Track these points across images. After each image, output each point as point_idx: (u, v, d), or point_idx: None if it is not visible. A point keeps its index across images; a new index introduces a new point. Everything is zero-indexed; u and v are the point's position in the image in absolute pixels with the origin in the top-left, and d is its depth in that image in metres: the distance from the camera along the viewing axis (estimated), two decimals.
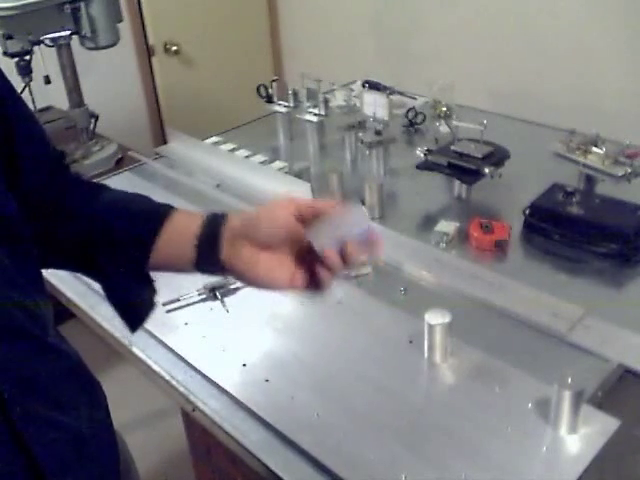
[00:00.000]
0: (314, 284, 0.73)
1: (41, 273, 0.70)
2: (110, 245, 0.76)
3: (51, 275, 1.30)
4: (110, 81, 2.58)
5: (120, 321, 1.18)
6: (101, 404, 0.76)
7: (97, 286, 0.82)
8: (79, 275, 1.08)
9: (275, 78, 1.89)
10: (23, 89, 1.80)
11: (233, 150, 1.78)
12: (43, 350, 0.66)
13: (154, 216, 0.78)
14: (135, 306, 0.79)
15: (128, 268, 0.77)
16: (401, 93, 1.95)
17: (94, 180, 0.85)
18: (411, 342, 1.06)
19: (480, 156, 1.43)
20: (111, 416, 0.78)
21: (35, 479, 0.61)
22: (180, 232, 0.76)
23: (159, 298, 1.19)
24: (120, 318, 0.80)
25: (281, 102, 1.84)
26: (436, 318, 0.99)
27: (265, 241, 0.72)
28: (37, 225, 0.70)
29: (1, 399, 0.58)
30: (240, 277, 0.76)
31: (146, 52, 2.74)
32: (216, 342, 1.10)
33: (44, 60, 1.75)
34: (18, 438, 0.59)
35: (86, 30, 1.76)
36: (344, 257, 0.70)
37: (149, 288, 0.80)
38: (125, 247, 0.76)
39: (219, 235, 0.74)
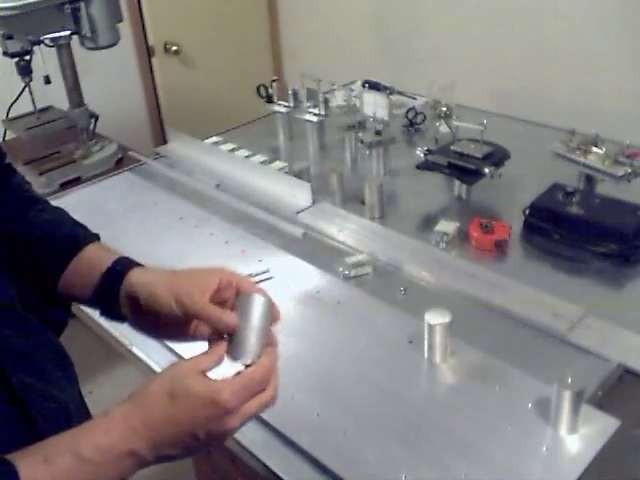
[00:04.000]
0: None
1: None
2: (26, 260, 0.78)
3: None
4: (110, 81, 2.58)
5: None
6: (76, 381, 0.78)
7: None
8: None
9: (275, 78, 1.89)
10: (23, 89, 1.79)
11: (233, 150, 1.78)
12: (24, 324, 0.68)
13: (67, 246, 0.79)
14: (49, 319, 0.79)
15: (42, 285, 0.79)
16: (401, 93, 1.95)
17: (34, 196, 0.86)
18: (411, 342, 1.06)
19: (480, 156, 1.43)
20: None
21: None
22: (88, 269, 0.77)
23: None
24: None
25: (281, 102, 1.84)
26: (436, 318, 0.99)
27: (165, 320, 0.71)
28: None
29: (5, 372, 0.61)
30: (144, 333, 0.77)
31: (146, 52, 2.74)
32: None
33: (44, 60, 1.75)
34: (21, 407, 0.62)
35: (86, 30, 1.76)
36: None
37: (61, 308, 0.82)
38: (37, 269, 0.78)
39: (118, 292, 0.74)
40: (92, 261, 0.77)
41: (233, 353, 0.66)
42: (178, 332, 0.73)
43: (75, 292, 0.78)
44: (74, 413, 0.70)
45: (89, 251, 0.79)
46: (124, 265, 0.75)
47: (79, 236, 0.80)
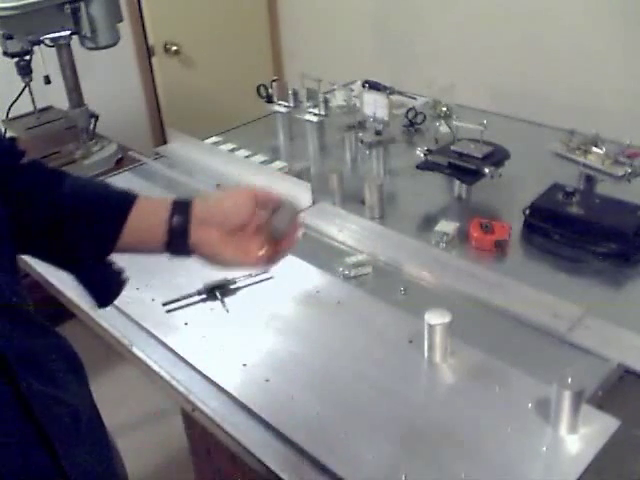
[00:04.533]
0: (269, 259, 0.84)
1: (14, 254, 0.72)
2: (78, 226, 0.78)
3: (51, 275, 1.30)
4: (110, 81, 2.58)
5: (121, 321, 1.19)
6: (87, 383, 0.77)
7: None
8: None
9: (275, 78, 1.89)
10: (23, 89, 1.80)
11: (233, 150, 1.78)
12: (36, 327, 0.68)
13: (122, 199, 0.81)
14: (103, 283, 0.82)
15: (96, 249, 0.80)
16: (401, 93, 1.95)
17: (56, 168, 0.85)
18: (411, 342, 1.06)
19: (480, 156, 1.43)
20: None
21: (47, 451, 0.62)
22: (148, 216, 0.80)
23: (159, 298, 1.21)
24: (90, 296, 0.82)
25: (281, 102, 1.84)
26: (436, 318, 0.99)
27: (230, 226, 0.80)
28: None
29: (12, 373, 0.60)
30: (208, 259, 0.82)
31: (146, 52, 2.74)
32: (216, 342, 1.10)
33: (44, 60, 1.75)
34: (28, 412, 0.61)
35: (86, 30, 1.76)
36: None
37: (115, 269, 0.83)
38: (94, 228, 0.79)
39: (188, 221, 0.79)
40: (149, 210, 0.81)
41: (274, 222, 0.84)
42: (240, 257, 0.82)
43: (142, 239, 0.81)
44: (83, 416, 0.70)
45: (143, 202, 0.81)
46: (185, 202, 0.81)
47: (125, 194, 0.83)
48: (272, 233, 0.83)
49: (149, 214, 0.80)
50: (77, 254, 0.78)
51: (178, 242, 0.80)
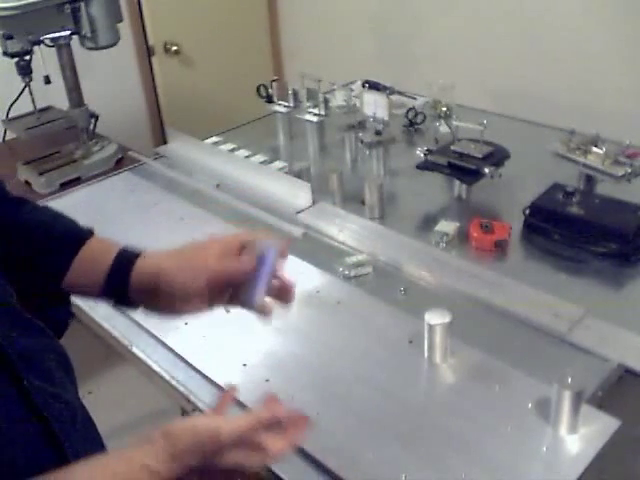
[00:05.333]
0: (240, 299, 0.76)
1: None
2: (26, 260, 0.77)
3: None
4: (110, 81, 2.58)
5: (121, 321, 1.19)
6: (75, 382, 0.77)
7: None
8: None
9: (275, 78, 1.89)
10: (23, 89, 1.79)
11: (233, 150, 1.78)
12: (31, 327, 0.68)
13: (70, 241, 0.78)
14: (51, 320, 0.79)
15: (43, 285, 0.78)
16: (401, 93, 1.95)
17: (20, 195, 0.84)
18: (411, 342, 1.06)
19: (480, 156, 1.43)
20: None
21: (53, 447, 0.63)
22: (93, 264, 0.77)
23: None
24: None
25: (281, 102, 1.84)
26: (436, 318, 0.99)
27: (181, 296, 0.74)
28: None
29: (16, 373, 0.60)
30: (158, 315, 0.78)
31: (146, 52, 2.74)
32: (216, 342, 1.10)
33: (44, 60, 1.75)
34: (33, 409, 0.61)
35: (86, 30, 1.76)
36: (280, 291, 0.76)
37: (64, 307, 0.82)
38: (37, 267, 0.77)
39: (126, 279, 0.75)
40: (95, 255, 0.77)
41: (242, 298, 0.74)
42: (195, 306, 0.76)
43: (82, 287, 0.78)
44: (78, 414, 0.70)
45: (91, 245, 0.79)
46: (129, 255, 0.77)
47: (80, 231, 0.80)
48: (245, 307, 0.75)
49: (94, 260, 0.77)
50: (22, 285, 0.76)
51: (120, 298, 0.77)
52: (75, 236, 0.79)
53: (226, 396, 0.76)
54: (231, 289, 0.75)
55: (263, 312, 0.75)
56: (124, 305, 0.78)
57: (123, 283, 0.75)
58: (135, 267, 0.76)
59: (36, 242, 0.78)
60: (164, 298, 0.74)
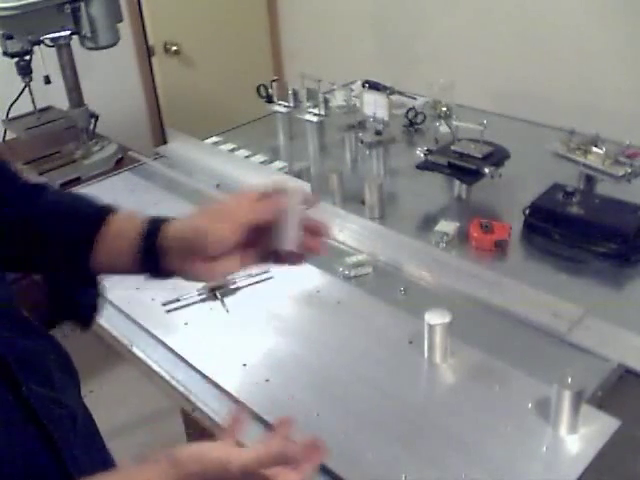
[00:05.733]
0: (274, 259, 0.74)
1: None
2: (45, 248, 0.75)
3: None
4: (110, 81, 2.58)
5: (121, 321, 1.19)
6: (79, 385, 0.77)
7: None
8: None
9: (275, 78, 1.89)
10: (23, 89, 1.79)
11: (233, 150, 1.78)
12: (30, 329, 0.68)
13: (91, 220, 0.76)
14: (80, 306, 0.79)
15: (67, 270, 0.77)
16: (401, 93, 1.95)
17: (38, 182, 0.83)
18: (411, 342, 1.06)
19: (480, 156, 1.43)
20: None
21: (50, 453, 0.63)
22: (119, 238, 0.75)
23: (159, 298, 1.20)
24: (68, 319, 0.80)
25: (281, 102, 1.84)
26: (436, 318, 0.99)
27: (213, 254, 0.71)
28: None
29: (14, 378, 0.60)
30: (193, 279, 0.75)
31: (146, 52, 2.74)
32: (216, 342, 1.10)
33: (44, 60, 1.75)
34: (30, 414, 0.61)
35: (86, 30, 1.76)
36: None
37: (93, 290, 0.80)
38: (61, 251, 0.75)
39: (156, 248, 0.73)
40: (122, 229, 0.75)
41: (275, 242, 0.71)
42: (228, 265, 0.72)
43: (112, 264, 0.76)
44: (79, 418, 0.70)
45: (116, 220, 0.76)
46: (157, 222, 0.74)
47: (100, 208, 0.78)
48: (276, 254, 0.72)
49: (119, 236, 0.75)
50: (47, 273, 0.76)
51: (152, 267, 0.74)
52: (95, 213, 0.77)
53: (238, 417, 0.72)
54: (265, 240, 0.72)
55: (293, 258, 0.72)
56: (158, 274, 0.75)
57: (153, 250, 0.72)
58: (164, 231, 0.72)
59: (56, 223, 0.76)
60: (199, 258, 0.71)
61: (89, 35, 1.77)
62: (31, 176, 1.79)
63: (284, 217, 0.71)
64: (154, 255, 0.72)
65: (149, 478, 0.60)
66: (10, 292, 0.69)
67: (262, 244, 0.73)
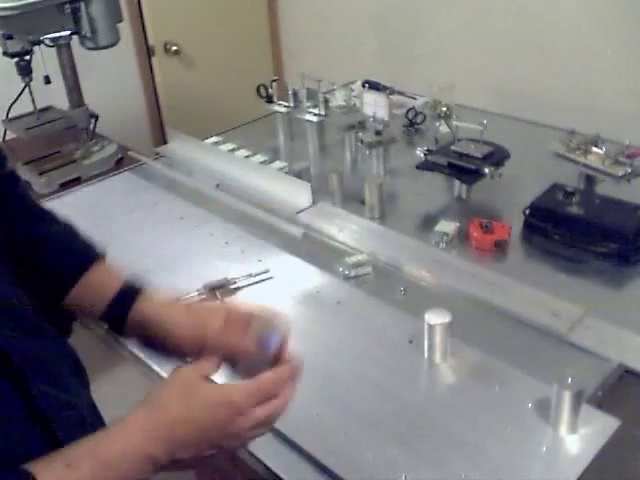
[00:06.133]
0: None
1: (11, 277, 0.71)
2: (35, 269, 0.78)
3: None
4: (110, 81, 2.58)
5: None
6: (88, 385, 0.78)
7: None
8: None
9: (275, 78, 1.89)
10: (23, 89, 1.79)
11: (233, 150, 1.78)
12: (44, 333, 0.68)
13: (81, 259, 0.79)
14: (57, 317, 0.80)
15: (47, 296, 0.79)
16: (401, 93, 1.95)
17: (40, 204, 0.85)
18: (411, 342, 1.06)
19: (480, 156, 1.43)
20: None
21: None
22: (95, 291, 0.78)
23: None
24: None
25: (281, 102, 1.84)
26: (436, 318, 0.99)
27: (176, 348, 0.76)
28: None
29: (23, 378, 0.60)
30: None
31: (146, 52, 2.74)
32: None
33: (44, 60, 1.74)
34: (39, 415, 0.61)
35: (86, 30, 1.75)
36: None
37: (67, 318, 0.83)
38: (47, 277, 0.79)
39: (127, 316, 0.77)
40: (101, 282, 0.79)
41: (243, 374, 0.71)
42: (186, 353, 0.76)
43: (83, 308, 0.80)
44: (88, 418, 0.70)
45: (100, 270, 0.80)
46: (132, 291, 0.78)
47: (91, 253, 0.81)
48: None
49: (95, 289, 0.79)
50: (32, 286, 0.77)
51: (118, 329, 0.79)
52: (85, 256, 0.80)
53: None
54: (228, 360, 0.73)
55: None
56: (119, 334, 0.80)
57: (122, 318, 0.77)
58: (137, 306, 0.77)
59: (48, 255, 0.79)
60: (159, 342, 0.76)
61: (89, 35, 1.77)
62: (32, 184, 1.79)
63: (253, 359, 0.71)
64: (121, 321, 0.77)
65: (148, 447, 0.60)
66: (17, 291, 0.68)
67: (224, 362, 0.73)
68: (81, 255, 0.81)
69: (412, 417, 0.93)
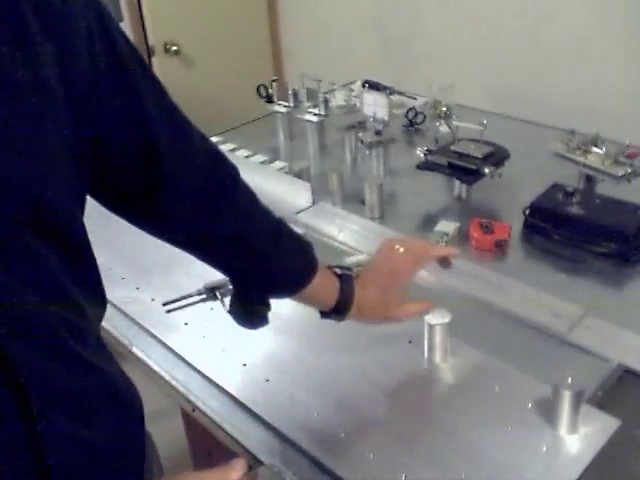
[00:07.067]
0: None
1: (97, 277, 0.69)
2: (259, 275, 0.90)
3: None
4: None
5: (120, 321, 1.19)
6: (134, 416, 0.73)
7: None
8: None
9: (275, 78, 1.89)
10: None
11: (233, 150, 1.78)
12: (77, 365, 0.62)
13: (302, 272, 0.88)
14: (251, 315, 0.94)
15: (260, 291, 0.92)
16: (401, 93, 1.95)
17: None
18: (411, 342, 1.06)
19: (480, 156, 1.43)
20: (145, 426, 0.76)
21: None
22: (318, 294, 0.91)
23: (159, 298, 1.21)
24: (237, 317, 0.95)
25: (281, 102, 1.84)
26: (436, 318, 0.99)
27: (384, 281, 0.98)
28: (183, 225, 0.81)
29: (30, 414, 0.56)
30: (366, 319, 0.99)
31: (146, 52, 2.74)
32: (216, 342, 1.10)
33: None
34: (38, 450, 0.57)
35: None
36: None
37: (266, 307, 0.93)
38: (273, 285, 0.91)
39: (352, 293, 0.93)
40: (323, 287, 0.91)
41: None
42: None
43: (309, 301, 0.92)
44: (107, 449, 0.65)
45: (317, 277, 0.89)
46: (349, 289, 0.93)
47: (312, 260, 0.89)
48: None
49: (319, 293, 0.90)
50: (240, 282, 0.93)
51: (344, 310, 0.93)
52: (304, 269, 0.88)
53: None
54: None
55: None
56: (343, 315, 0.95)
57: (348, 306, 0.93)
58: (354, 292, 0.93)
59: (278, 256, 0.87)
60: (375, 290, 0.97)
61: None
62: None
63: None
64: (346, 309, 0.94)
65: None
66: (55, 321, 0.59)
67: None
68: (304, 264, 0.88)
69: (412, 417, 0.93)
